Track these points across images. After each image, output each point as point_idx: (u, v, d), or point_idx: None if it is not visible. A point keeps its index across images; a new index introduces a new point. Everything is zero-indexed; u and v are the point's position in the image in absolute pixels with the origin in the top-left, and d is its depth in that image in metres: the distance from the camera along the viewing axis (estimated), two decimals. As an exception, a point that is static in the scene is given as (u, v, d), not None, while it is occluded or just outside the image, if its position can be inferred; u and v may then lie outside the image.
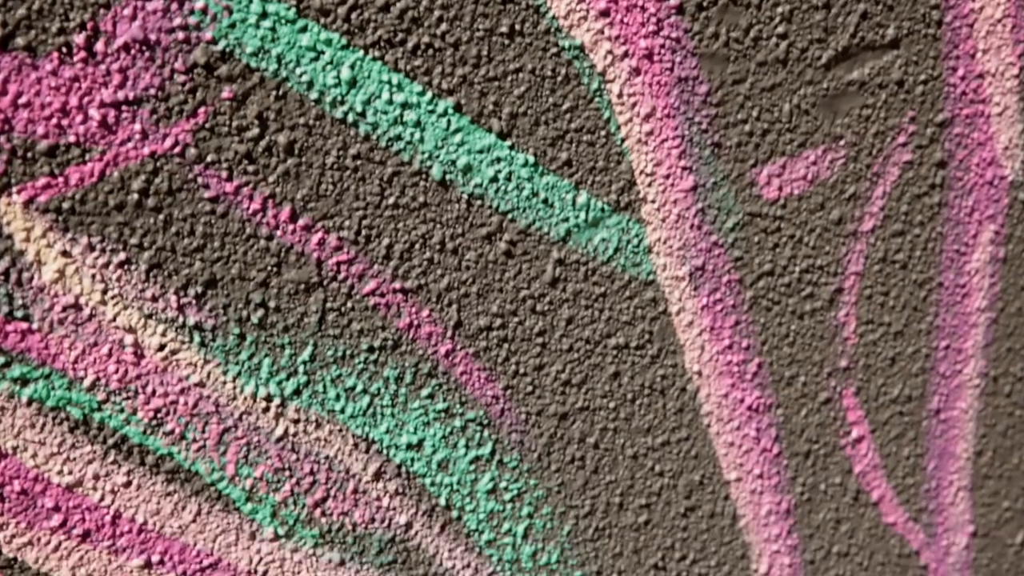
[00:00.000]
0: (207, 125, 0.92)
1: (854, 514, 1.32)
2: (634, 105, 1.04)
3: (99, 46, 0.87)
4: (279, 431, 1.03)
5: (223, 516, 1.04)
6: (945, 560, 1.41)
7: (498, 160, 1.02)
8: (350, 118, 0.96)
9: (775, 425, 1.23)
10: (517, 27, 0.99)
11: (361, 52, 0.94)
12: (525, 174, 1.03)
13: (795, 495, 1.27)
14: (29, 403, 0.94)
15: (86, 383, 0.95)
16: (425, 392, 1.07)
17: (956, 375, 1.31)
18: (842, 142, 1.14)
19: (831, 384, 1.24)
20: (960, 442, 1.35)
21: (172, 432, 0.99)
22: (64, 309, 0.92)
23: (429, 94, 0.97)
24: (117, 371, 0.96)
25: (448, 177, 1.01)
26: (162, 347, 0.96)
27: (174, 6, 0.88)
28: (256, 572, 1.06)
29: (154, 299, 0.95)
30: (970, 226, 1.24)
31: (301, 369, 1.02)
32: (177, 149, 0.92)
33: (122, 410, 0.97)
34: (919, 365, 1.28)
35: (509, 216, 1.04)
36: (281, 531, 1.06)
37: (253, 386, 1.00)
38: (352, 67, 0.94)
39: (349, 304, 1.01)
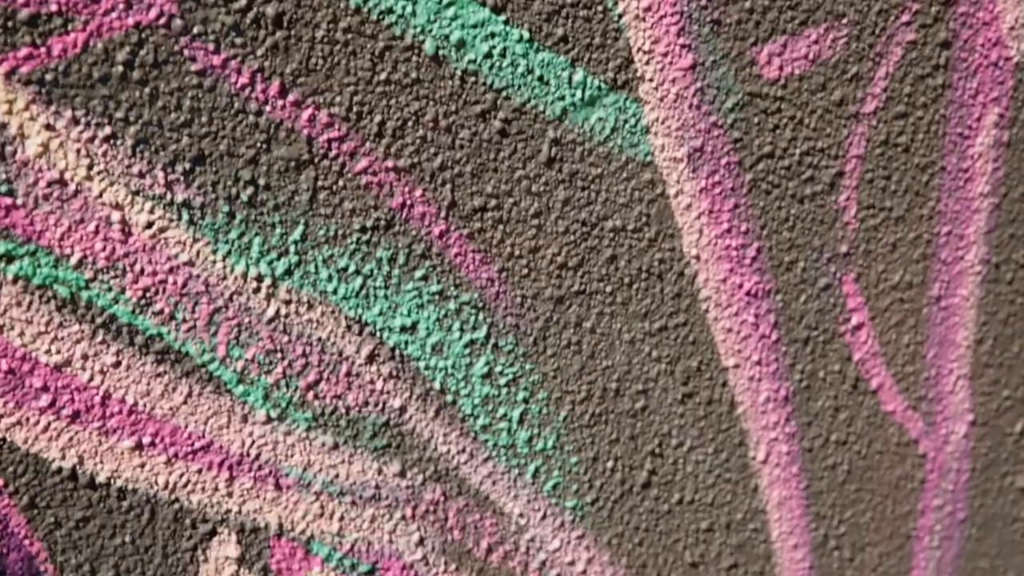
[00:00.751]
0: (192, -5, 0.90)
1: (853, 402, 1.31)
2: (632, -21, 1.02)
3: (79, -91, 0.85)
4: (270, 312, 1.01)
5: (214, 398, 1.03)
6: (944, 449, 1.41)
7: (492, 35, 1.00)
8: (340, -11, 0.94)
9: (774, 311, 1.22)
10: None
11: (350, -80, 0.92)
12: (520, 50, 1.01)
13: (793, 382, 1.27)
14: (15, 281, 0.93)
15: (73, 261, 0.94)
16: (419, 274, 1.05)
17: (957, 261, 1.30)
18: (844, 20, 1.12)
19: (831, 270, 1.23)
20: (960, 330, 1.34)
21: (161, 312, 0.98)
22: (49, 184, 0.91)
23: (421, -35, 0.95)
24: (104, 249, 0.94)
25: (441, 52, 0.98)
26: (150, 225, 0.95)
27: None
28: (248, 455, 1.06)
29: (141, 175, 0.93)
30: (974, 109, 1.22)
31: (292, 249, 1.00)
32: (162, 20, 0.90)
33: (110, 289, 0.96)
34: (920, 251, 1.26)
35: (504, 94, 1.02)
36: (273, 414, 1.05)
37: (243, 266, 0.99)
38: (341, -65, 0.92)
39: (340, 182, 1.00)
